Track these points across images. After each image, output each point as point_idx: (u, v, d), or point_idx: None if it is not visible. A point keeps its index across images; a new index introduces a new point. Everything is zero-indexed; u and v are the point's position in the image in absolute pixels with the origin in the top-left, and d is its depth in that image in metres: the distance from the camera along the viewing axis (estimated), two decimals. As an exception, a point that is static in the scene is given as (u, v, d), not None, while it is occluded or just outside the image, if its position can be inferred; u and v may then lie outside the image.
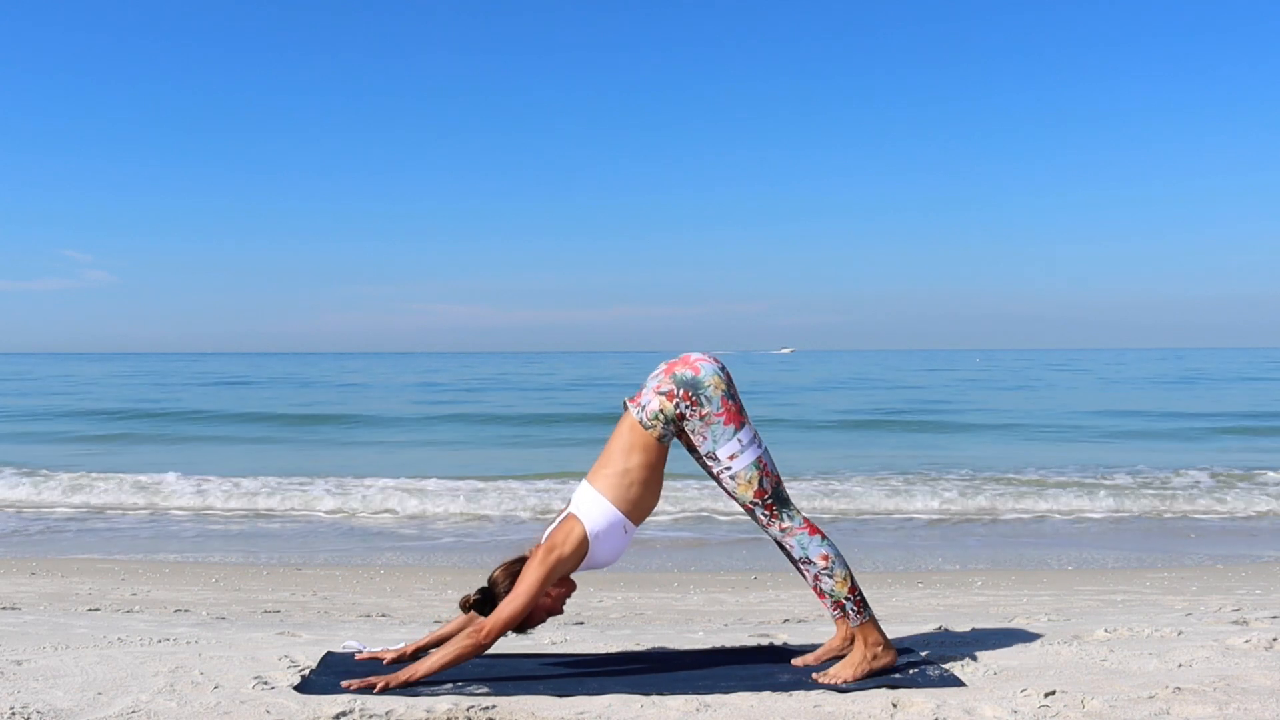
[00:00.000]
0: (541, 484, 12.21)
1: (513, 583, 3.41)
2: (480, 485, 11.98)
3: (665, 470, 3.52)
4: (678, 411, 3.42)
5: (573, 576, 3.52)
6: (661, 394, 3.43)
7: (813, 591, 3.63)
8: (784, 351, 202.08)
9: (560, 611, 3.53)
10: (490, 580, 3.47)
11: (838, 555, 3.50)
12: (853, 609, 3.48)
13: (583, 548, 3.40)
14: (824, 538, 3.50)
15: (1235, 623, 4.48)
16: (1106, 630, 4.21)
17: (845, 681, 3.37)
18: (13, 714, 2.97)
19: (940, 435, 19.68)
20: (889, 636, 4.14)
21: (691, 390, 3.41)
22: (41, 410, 27.29)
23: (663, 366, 3.51)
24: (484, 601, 3.44)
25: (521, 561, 3.47)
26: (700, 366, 3.45)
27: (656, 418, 3.42)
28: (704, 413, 3.41)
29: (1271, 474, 12.74)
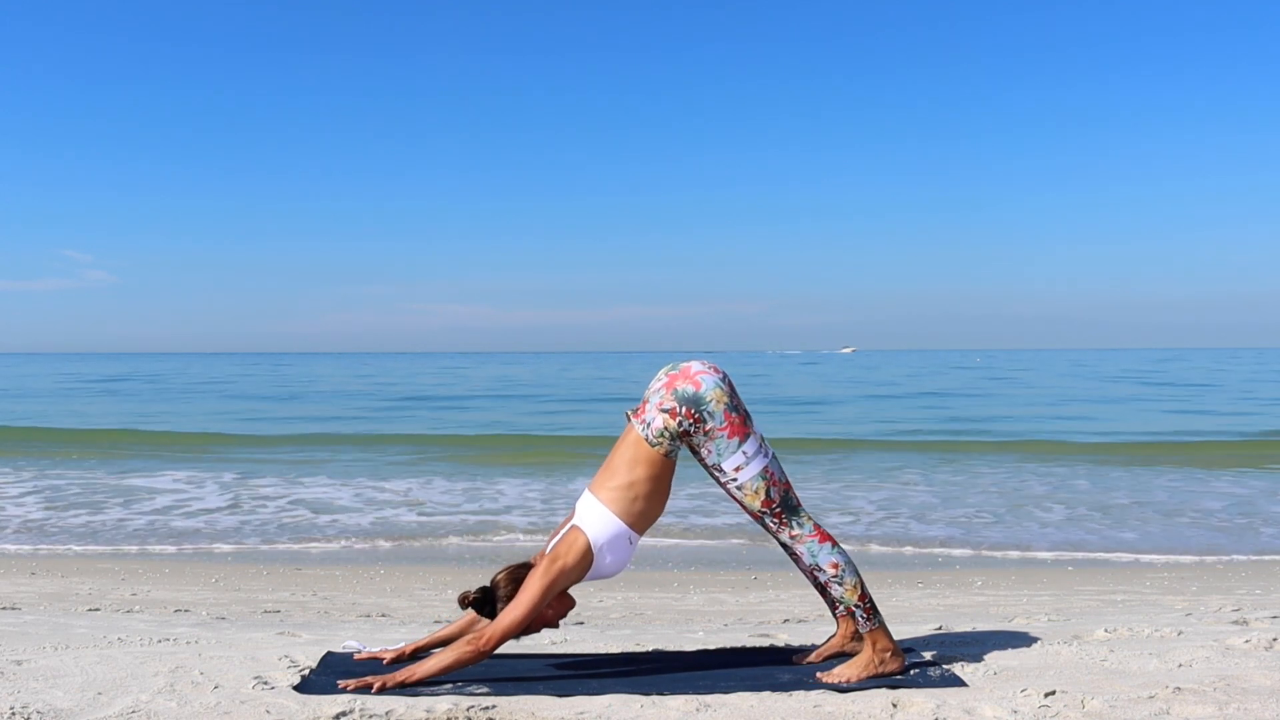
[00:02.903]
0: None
1: (514, 588, 3.40)
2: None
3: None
4: (682, 429, 3.39)
5: (578, 584, 3.51)
6: (665, 411, 3.40)
7: (822, 597, 3.63)
8: (846, 351, 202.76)
9: (556, 626, 3.52)
10: (493, 582, 3.46)
11: (848, 562, 3.48)
12: (862, 615, 3.46)
13: (586, 559, 3.39)
14: (834, 545, 3.48)
15: (1235, 623, 4.48)
16: (1106, 630, 4.21)
17: (849, 681, 3.37)
18: (13, 714, 2.97)
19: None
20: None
21: (694, 407, 3.38)
22: None
23: (663, 378, 3.47)
24: (483, 601, 3.44)
25: (526, 568, 3.46)
26: (701, 380, 3.41)
27: (662, 435, 3.40)
28: (708, 428, 3.39)
29: None
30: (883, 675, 3.41)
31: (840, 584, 3.46)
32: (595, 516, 3.41)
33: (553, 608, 3.45)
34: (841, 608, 3.57)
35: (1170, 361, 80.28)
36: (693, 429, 3.39)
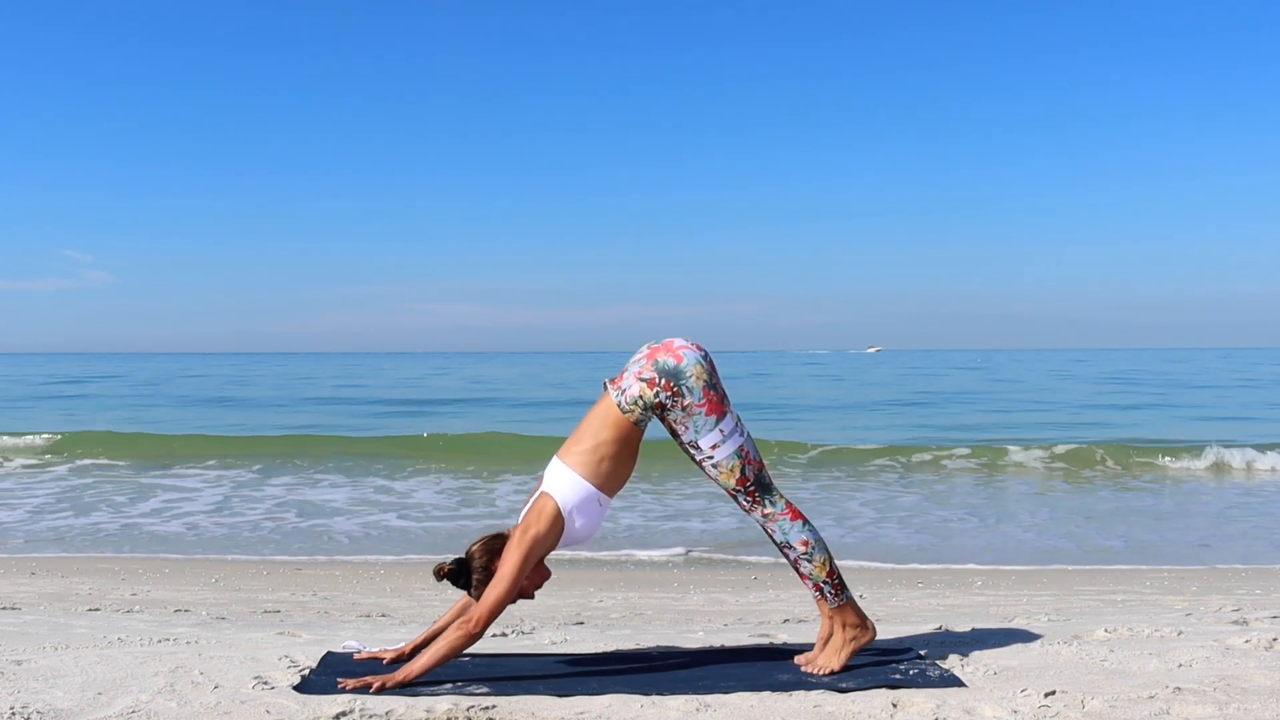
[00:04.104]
0: None
1: (489, 559, 3.41)
2: None
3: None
4: (658, 400, 3.41)
5: (556, 552, 3.50)
6: (643, 380, 3.43)
7: (795, 573, 3.67)
8: (871, 350, 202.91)
9: (531, 597, 3.52)
10: (467, 553, 3.47)
11: (818, 540, 3.55)
12: (830, 591, 3.53)
13: (558, 524, 3.40)
14: (805, 523, 3.54)
15: (1235, 623, 4.48)
16: (1106, 630, 4.22)
17: (833, 670, 3.44)
18: (13, 714, 2.97)
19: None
20: (889, 636, 4.16)
21: (673, 380, 3.41)
22: None
23: (645, 350, 3.51)
24: (458, 573, 3.45)
25: (500, 539, 3.46)
26: (683, 354, 3.44)
27: (635, 403, 3.42)
28: (685, 403, 3.42)
29: None
30: (859, 650, 3.54)
31: (810, 560, 3.52)
32: (563, 481, 3.42)
33: (529, 579, 3.45)
34: (811, 584, 3.60)
35: (1171, 363, 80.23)
36: (669, 402, 3.42)
